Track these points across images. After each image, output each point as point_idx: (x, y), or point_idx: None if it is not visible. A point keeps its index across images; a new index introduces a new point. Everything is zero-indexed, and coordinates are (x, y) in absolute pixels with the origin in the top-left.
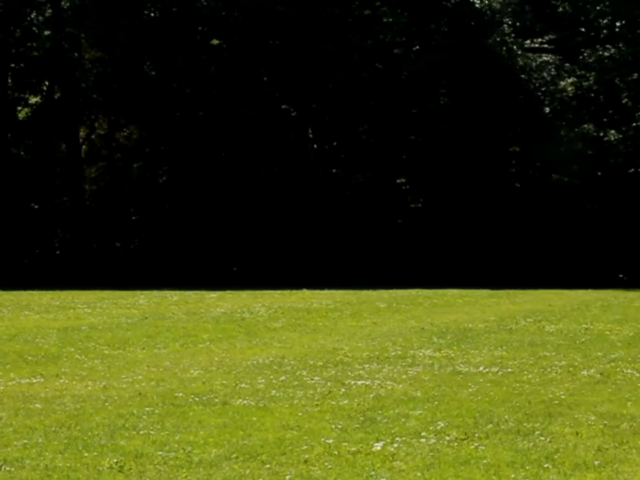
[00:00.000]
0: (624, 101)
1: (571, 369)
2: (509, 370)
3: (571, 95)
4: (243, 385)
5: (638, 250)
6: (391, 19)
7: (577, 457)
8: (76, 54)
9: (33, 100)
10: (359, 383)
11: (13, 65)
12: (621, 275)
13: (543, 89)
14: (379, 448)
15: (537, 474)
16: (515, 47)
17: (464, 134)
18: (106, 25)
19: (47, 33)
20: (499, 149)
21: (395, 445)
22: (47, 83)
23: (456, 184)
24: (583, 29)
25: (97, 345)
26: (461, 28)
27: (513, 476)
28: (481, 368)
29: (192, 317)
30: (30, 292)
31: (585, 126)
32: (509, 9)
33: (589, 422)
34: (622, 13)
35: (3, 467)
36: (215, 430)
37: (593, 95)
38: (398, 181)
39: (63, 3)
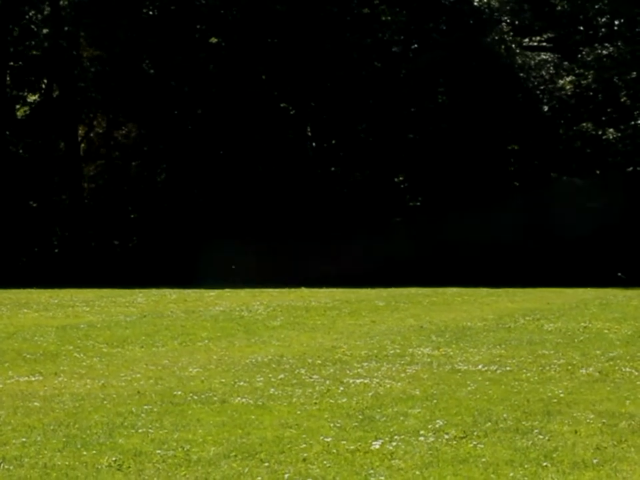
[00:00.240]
0: (622, 100)
1: (570, 367)
2: (508, 368)
3: (569, 93)
4: (241, 383)
5: (637, 249)
6: (389, 18)
7: (576, 456)
8: (74, 52)
9: (32, 98)
10: (358, 381)
11: (11, 63)
12: (619, 274)
13: (542, 87)
14: (377, 446)
15: (535, 472)
16: (513, 46)
17: (462, 132)
18: (104, 23)
19: (45, 31)
20: (498, 147)
21: (394, 444)
22: (45, 81)
23: (454, 182)
24: (582, 28)
25: (96, 343)
26: (459, 26)
27: (511, 474)
28: (480, 366)
29: (190, 315)
30: (29, 290)
31: (584, 124)
32: (508, 7)
33: (588, 420)
34: (620, 11)
35: (2, 465)
36: (213, 428)
37: (591, 93)
38: (396, 179)
39: (61, 1)
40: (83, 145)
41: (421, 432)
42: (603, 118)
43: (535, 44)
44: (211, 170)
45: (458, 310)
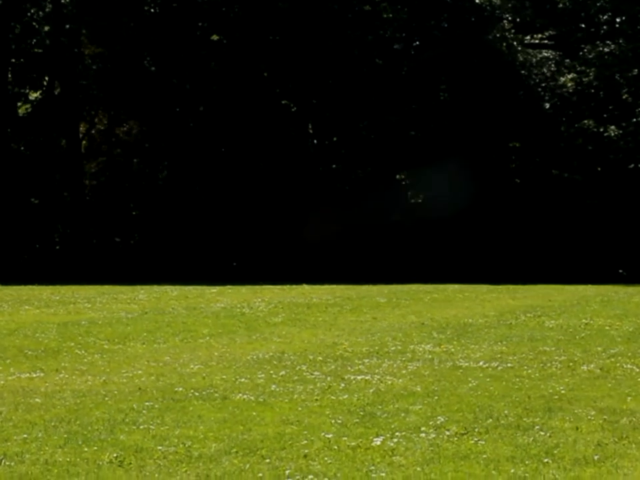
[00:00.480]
0: (624, 97)
1: (571, 364)
2: (509, 365)
3: (571, 90)
4: (242, 380)
5: (638, 245)
6: (391, 15)
7: (577, 452)
8: (76, 49)
9: (33, 95)
10: (359, 377)
11: (13, 61)
12: (620, 270)
13: (543, 84)
14: (378, 443)
15: (536, 469)
16: (515, 43)
17: (464, 130)
18: (106, 21)
19: (47, 28)
20: (499, 144)
21: (395, 440)
22: (47, 79)
23: (456, 179)
24: (583, 25)
25: (97, 340)
26: (461, 24)
27: (512, 471)
28: (481, 363)
29: (192, 311)
30: (30, 287)
31: (585, 122)
32: (509, 5)
33: (589, 417)
34: (622, 8)
35: (3, 461)
36: (214, 424)
37: (593, 90)
38: (398, 176)
39: None
40: (84, 142)
41: (422, 428)
42: (605, 115)
43: (537, 41)
44: (213, 167)
45: (459, 307)
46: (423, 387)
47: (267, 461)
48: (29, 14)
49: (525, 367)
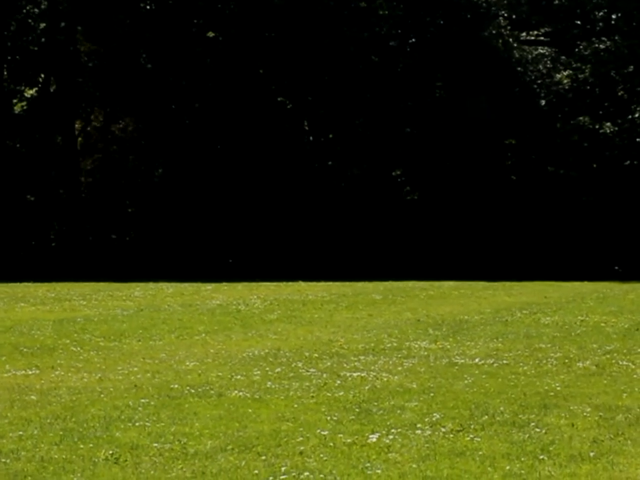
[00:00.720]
0: (620, 94)
1: (567, 360)
2: (505, 362)
3: (566, 87)
4: (238, 377)
5: (633, 242)
6: (386, 12)
7: (573, 449)
8: (72, 47)
9: (29, 93)
10: (355, 374)
11: (8, 58)
12: (616, 267)
13: (539, 81)
14: (374, 440)
15: (532, 465)
16: (510, 40)
17: (460, 126)
18: (102, 18)
19: (42, 25)
20: (495, 141)
21: (391, 437)
22: (42, 76)
23: (452, 176)
24: (579, 22)
25: (93, 337)
26: (456, 21)
27: (508, 467)
28: (477, 360)
29: (187, 309)
30: (26, 284)
31: (581, 118)
32: (505, 1)
33: (585, 413)
34: (618, 5)
35: None
36: (210, 421)
37: (588, 87)
38: (394, 173)
39: None
40: (80, 139)
41: (418, 425)
42: (600, 112)
43: (533, 38)
44: (208, 164)
45: (455, 303)
46: (419, 383)
47: (263, 457)
48: (24, 11)
49: (521, 364)
